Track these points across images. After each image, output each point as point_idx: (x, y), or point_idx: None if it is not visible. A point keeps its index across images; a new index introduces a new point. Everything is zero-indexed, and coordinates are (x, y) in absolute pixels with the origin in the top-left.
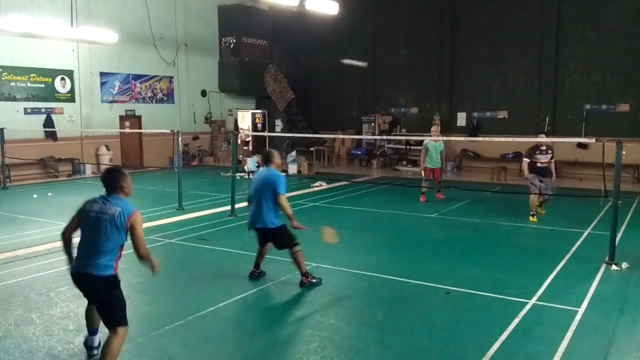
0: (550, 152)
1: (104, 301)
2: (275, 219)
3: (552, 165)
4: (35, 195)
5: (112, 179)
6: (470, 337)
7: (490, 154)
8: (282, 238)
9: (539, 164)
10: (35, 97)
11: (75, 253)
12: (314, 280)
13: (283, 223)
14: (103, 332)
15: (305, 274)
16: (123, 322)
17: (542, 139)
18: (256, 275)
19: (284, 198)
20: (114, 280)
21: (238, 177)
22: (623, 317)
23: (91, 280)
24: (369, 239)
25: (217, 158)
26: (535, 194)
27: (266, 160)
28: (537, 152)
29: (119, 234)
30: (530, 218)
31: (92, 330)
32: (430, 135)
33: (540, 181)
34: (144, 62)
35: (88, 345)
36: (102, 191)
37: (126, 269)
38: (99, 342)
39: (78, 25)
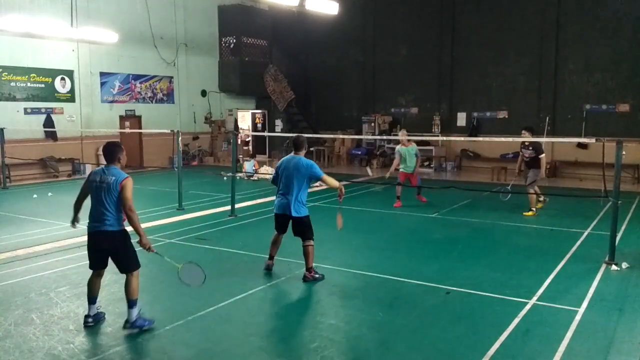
0: (530, 147)
1: (120, 250)
2: (304, 208)
3: (539, 162)
4: (35, 196)
5: (110, 151)
6: (470, 337)
7: (490, 154)
8: (306, 227)
9: (524, 158)
10: (35, 97)
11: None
12: (317, 276)
13: (308, 213)
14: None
15: (309, 269)
16: (136, 266)
17: (524, 137)
18: (309, 278)
19: (326, 177)
20: (124, 234)
21: (238, 178)
22: (623, 317)
23: (106, 236)
24: (369, 239)
25: (217, 158)
26: (531, 193)
27: (297, 148)
28: (522, 147)
29: (117, 197)
30: (527, 212)
31: (92, 299)
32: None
33: (526, 172)
34: (144, 62)
35: (86, 315)
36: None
37: None
38: (96, 312)
39: (78, 25)
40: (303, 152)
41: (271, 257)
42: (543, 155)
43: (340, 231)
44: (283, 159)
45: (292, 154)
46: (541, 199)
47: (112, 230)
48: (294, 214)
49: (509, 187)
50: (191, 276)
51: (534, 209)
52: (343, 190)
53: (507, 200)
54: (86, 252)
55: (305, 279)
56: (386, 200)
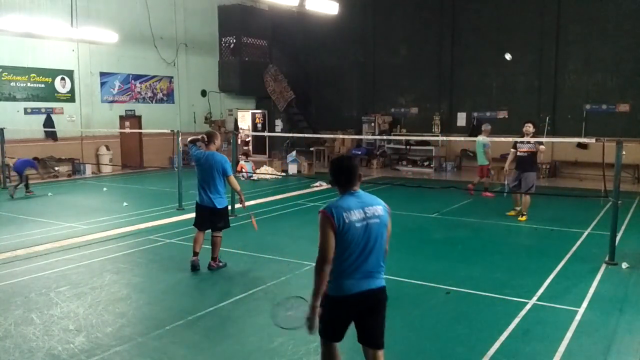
0: (530, 142)
1: (218, 221)
2: (220, 200)
3: (537, 157)
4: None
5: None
6: (470, 337)
7: (490, 154)
8: (220, 219)
9: (519, 154)
10: (35, 97)
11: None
12: (221, 264)
13: (226, 205)
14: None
15: (215, 258)
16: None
17: (529, 129)
18: (213, 267)
19: (233, 178)
20: (226, 209)
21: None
22: (623, 317)
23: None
24: None
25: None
26: (514, 192)
27: (208, 143)
28: (519, 141)
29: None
30: (517, 216)
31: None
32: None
33: (517, 179)
34: (144, 62)
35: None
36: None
37: (127, 269)
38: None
39: (78, 25)
40: (213, 146)
41: (195, 254)
42: (543, 147)
43: None
44: (197, 152)
45: (204, 149)
46: (518, 208)
47: (217, 208)
48: (218, 206)
49: (507, 183)
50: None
51: (525, 212)
52: (242, 197)
53: (506, 200)
54: (85, 252)
55: (210, 267)
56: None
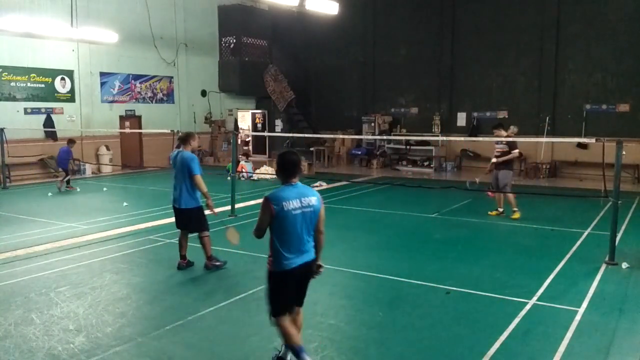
0: (503, 142)
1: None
2: (187, 200)
3: (509, 156)
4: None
5: (184, 140)
6: (470, 337)
7: (490, 154)
8: (193, 219)
9: (495, 153)
10: (35, 97)
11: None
12: (218, 264)
13: (195, 206)
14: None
15: (209, 257)
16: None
17: (498, 135)
18: (184, 266)
19: (199, 178)
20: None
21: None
22: (623, 317)
23: (179, 210)
24: (369, 239)
25: (217, 158)
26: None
27: (182, 143)
28: (495, 142)
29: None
30: (492, 212)
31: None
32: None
33: (495, 178)
34: (144, 62)
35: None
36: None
37: (127, 269)
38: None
39: (78, 25)
40: (188, 147)
41: (181, 257)
42: (516, 150)
43: (341, 231)
44: (173, 153)
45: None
46: (500, 209)
47: (185, 208)
48: (182, 205)
49: (477, 180)
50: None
51: (515, 209)
52: (210, 201)
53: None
54: (85, 252)
55: (206, 267)
56: (386, 200)
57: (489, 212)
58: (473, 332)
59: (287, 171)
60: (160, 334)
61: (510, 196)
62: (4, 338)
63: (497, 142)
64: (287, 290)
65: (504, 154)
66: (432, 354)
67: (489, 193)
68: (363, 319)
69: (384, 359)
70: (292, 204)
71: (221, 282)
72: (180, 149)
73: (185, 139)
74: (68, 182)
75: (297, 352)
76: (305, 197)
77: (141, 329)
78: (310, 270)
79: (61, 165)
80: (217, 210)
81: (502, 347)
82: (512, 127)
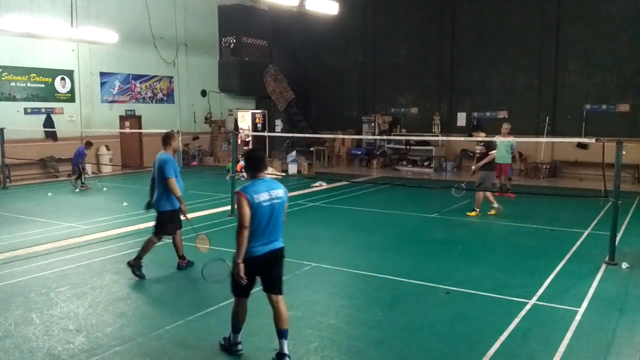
0: (482, 143)
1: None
2: (162, 202)
3: (486, 160)
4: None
5: (164, 141)
6: (470, 337)
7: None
8: (157, 221)
9: (476, 155)
10: (35, 97)
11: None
12: (183, 264)
13: (167, 209)
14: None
15: (137, 258)
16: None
17: (477, 136)
18: (184, 266)
19: (171, 181)
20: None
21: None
22: (623, 317)
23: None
24: (369, 239)
25: (217, 158)
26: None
27: (163, 143)
28: (476, 144)
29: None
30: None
31: (178, 256)
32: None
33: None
34: (144, 62)
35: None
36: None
37: (127, 269)
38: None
39: (78, 25)
40: (169, 148)
41: (180, 257)
42: (493, 152)
43: (341, 231)
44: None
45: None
46: (495, 205)
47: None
48: (154, 207)
49: (463, 185)
50: (213, 271)
51: (477, 209)
52: (183, 206)
53: (506, 200)
54: (85, 252)
55: (128, 263)
56: (386, 201)
57: (467, 213)
58: (473, 332)
59: (254, 167)
60: (160, 334)
61: (480, 195)
62: (4, 338)
63: (477, 143)
64: (248, 275)
65: (482, 155)
66: (432, 354)
67: (509, 194)
68: (363, 319)
69: (384, 359)
70: (262, 197)
71: (221, 282)
72: (161, 150)
73: (165, 139)
74: (81, 180)
75: (236, 329)
76: (274, 190)
77: (141, 329)
78: (278, 258)
79: (74, 165)
80: (217, 210)
81: (502, 347)
82: (505, 124)
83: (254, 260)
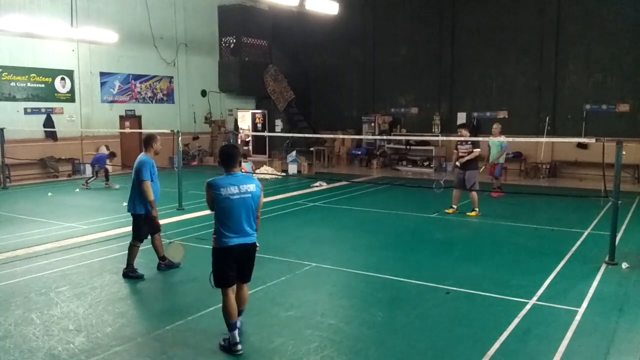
0: (468, 142)
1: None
2: (137, 206)
3: (471, 156)
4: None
5: (145, 143)
6: (470, 337)
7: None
8: (133, 226)
9: (460, 154)
10: (35, 97)
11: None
12: (132, 275)
13: (142, 213)
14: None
15: (128, 264)
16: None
17: (462, 135)
18: (163, 267)
19: (146, 184)
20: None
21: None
22: (623, 317)
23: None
24: (369, 239)
25: (217, 158)
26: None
27: (145, 145)
28: (458, 143)
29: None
30: (448, 210)
31: (160, 257)
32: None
33: (460, 174)
34: (144, 62)
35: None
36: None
37: None
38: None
39: (78, 25)
40: (151, 150)
41: (160, 259)
42: (478, 149)
43: (341, 231)
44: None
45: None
46: (455, 206)
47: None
48: (129, 210)
49: (441, 182)
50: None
51: (477, 209)
52: (154, 212)
53: (506, 200)
54: (85, 252)
55: (124, 275)
56: (386, 200)
57: (445, 210)
58: (473, 332)
59: (225, 163)
60: (160, 334)
61: (474, 195)
62: (4, 338)
63: (460, 143)
64: (226, 265)
65: (469, 154)
66: (432, 354)
67: (492, 194)
68: (363, 319)
69: (383, 359)
70: (230, 190)
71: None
72: (142, 152)
73: (146, 141)
74: (88, 180)
75: (231, 327)
76: (244, 185)
77: (141, 329)
78: (249, 253)
79: (92, 165)
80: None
81: (502, 347)
82: (495, 124)
83: (228, 250)
